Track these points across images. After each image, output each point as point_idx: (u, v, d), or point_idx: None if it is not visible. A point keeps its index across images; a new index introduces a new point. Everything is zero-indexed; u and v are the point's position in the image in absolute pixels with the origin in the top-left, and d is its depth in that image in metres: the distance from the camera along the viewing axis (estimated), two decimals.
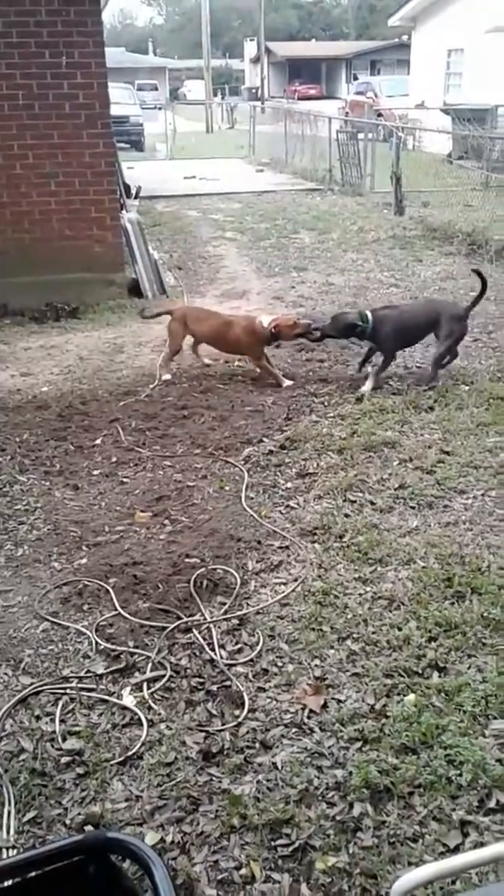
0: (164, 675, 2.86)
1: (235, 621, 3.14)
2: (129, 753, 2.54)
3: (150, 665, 2.92)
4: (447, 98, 21.04)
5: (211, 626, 3.10)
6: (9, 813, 2.34)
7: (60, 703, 2.75)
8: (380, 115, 20.37)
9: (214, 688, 2.81)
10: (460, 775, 2.37)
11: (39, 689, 2.82)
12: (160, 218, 12.21)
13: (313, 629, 3.06)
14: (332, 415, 5.02)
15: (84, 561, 3.57)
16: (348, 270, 8.79)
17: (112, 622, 3.16)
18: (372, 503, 3.97)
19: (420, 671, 2.82)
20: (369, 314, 5.40)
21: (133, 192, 9.99)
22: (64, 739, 2.60)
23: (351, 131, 15.47)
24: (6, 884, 1.39)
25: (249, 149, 21.68)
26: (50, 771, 2.49)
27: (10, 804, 2.36)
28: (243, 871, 2.16)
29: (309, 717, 2.66)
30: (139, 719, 2.67)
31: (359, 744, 2.53)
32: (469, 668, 2.82)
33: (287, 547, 3.64)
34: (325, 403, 5.21)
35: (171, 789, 2.42)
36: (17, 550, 3.68)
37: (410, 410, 5.00)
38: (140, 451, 4.64)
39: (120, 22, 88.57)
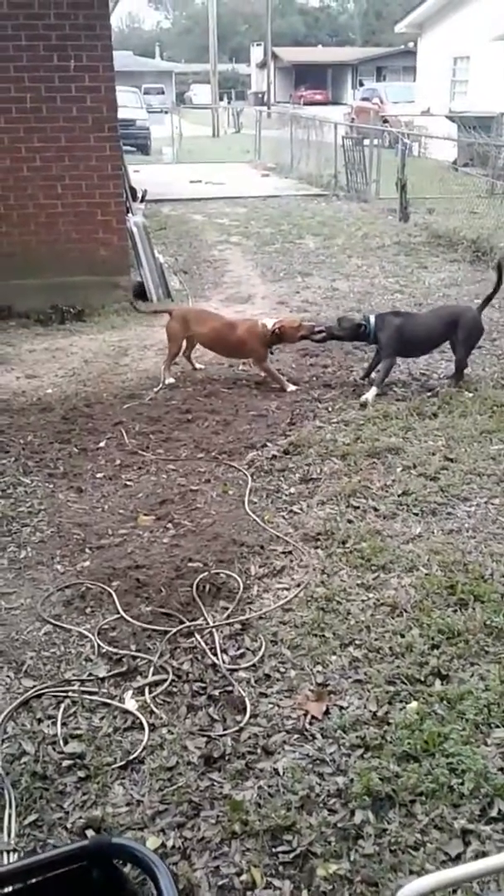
0: (166, 680, 2.86)
1: (238, 626, 3.14)
2: (131, 757, 2.54)
3: (152, 669, 2.91)
4: (453, 105, 21.10)
5: (213, 630, 3.10)
6: (10, 816, 2.34)
7: (62, 707, 2.75)
8: (385, 121, 20.41)
9: (216, 693, 2.80)
10: (462, 784, 2.37)
11: (41, 691, 2.82)
12: (166, 221, 12.24)
13: (316, 635, 3.06)
14: (335, 420, 5.02)
15: (87, 564, 3.57)
16: (353, 276, 8.80)
17: (114, 625, 3.16)
18: (375, 509, 3.97)
19: (422, 678, 2.81)
20: (372, 318, 5.45)
21: (139, 195, 10.02)
22: (65, 743, 2.60)
23: (356, 137, 15.50)
24: (9, 889, 1.39)
25: (255, 153, 21.73)
26: (51, 774, 2.49)
27: (10, 807, 2.36)
28: (244, 877, 2.16)
29: (311, 724, 2.66)
30: (141, 723, 2.67)
31: (360, 751, 2.53)
32: (472, 676, 2.82)
33: (290, 552, 3.64)
34: (329, 409, 5.21)
35: (172, 794, 2.41)
36: (21, 552, 3.68)
37: (414, 417, 5.00)
38: (144, 454, 4.65)
39: (127, 25, 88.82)
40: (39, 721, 2.70)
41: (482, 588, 3.27)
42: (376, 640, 3.02)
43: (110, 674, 2.90)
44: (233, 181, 16.99)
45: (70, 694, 2.81)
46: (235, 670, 2.90)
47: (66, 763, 2.52)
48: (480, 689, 2.73)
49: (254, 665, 2.92)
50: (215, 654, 2.97)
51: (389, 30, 33.25)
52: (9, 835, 2.29)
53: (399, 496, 4.08)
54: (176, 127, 23.78)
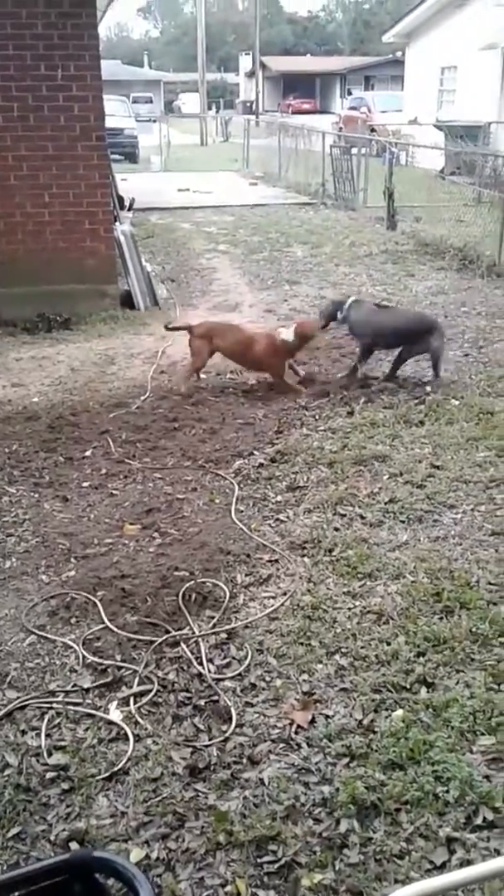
0: (151, 690, 2.84)
1: (224, 635, 3.13)
2: (115, 769, 2.52)
3: (137, 679, 2.90)
4: (440, 114, 21.23)
5: (199, 640, 3.09)
6: None
7: (46, 718, 2.73)
8: (373, 130, 20.54)
9: (202, 702, 2.79)
10: (447, 792, 2.36)
11: (25, 703, 2.80)
12: (154, 230, 12.25)
13: (302, 644, 3.06)
14: (322, 428, 5.03)
15: (72, 573, 3.56)
16: (340, 284, 8.83)
17: (100, 636, 3.14)
18: (362, 517, 3.97)
19: (408, 686, 2.81)
20: (349, 300, 5.77)
21: (127, 203, 10.03)
22: (49, 754, 2.58)
23: (344, 146, 15.58)
24: None
25: (243, 162, 21.80)
26: (35, 786, 2.47)
27: None
28: (229, 888, 2.14)
29: (296, 733, 2.65)
30: (125, 734, 2.65)
31: (346, 759, 2.52)
32: (457, 683, 2.82)
33: (276, 560, 3.64)
34: (316, 417, 5.22)
35: (156, 805, 2.40)
36: (5, 563, 3.66)
37: (401, 425, 5.02)
38: (130, 463, 4.64)
39: (116, 34, 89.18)
40: (23, 733, 2.68)
41: (468, 595, 3.27)
42: (362, 648, 3.02)
43: (95, 684, 2.88)
44: (221, 190, 17.03)
45: (54, 705, 2.79)
46: (221, 680, 2.89)
47: (49, 775, 2.51)
48: (466, 696, 2.73)
49: (240, 674, 2.92)
50: (201, 664, 2.96)
51: (377, 39, 33.48)
52: None
53: (386, 504, 4.08)
54: (164, 136, 23.84)
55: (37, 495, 4.28)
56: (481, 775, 2.42)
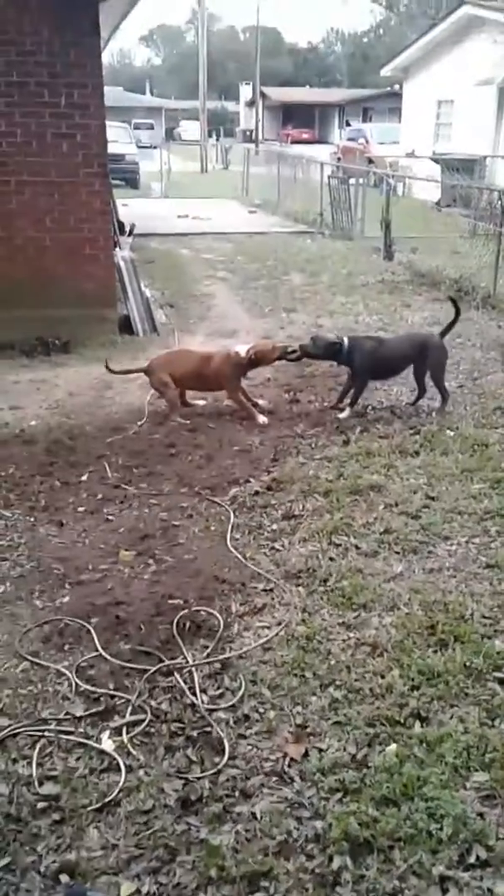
0: (143, 720, 2.83)
1: (217, 665, 3.12)
2: (107, 800, 2.50)
3: (130, 708, 2.88)
4: (436, 147, 21.53)
5: (193, 669, 3.08)
6: None
7: (38, 746, 2.71)
8: (371, 161, 20.79)
9: (194, 733, 2.78)
10: (441, 829, 2.35)
11: (17, 731, 2.78)
12: (153, 255, 12.34)
13: (296, 675, 3.05)
14: (318, 457, 5.05)
15: (66, 599, 3.55)
16: (337, 313, 8.90)
17: (93, 663, 3.12)
18: (357, 547, 3.97)
19: (402, 720, 2.80)
20: (346, 339, 5.70)
21: (127, 229, 10.12)
22: (41, 784, 2.56)
23: (342, 176, 15.77)
24: None
25: (243, 190, 22.02)
26: (25, 816, 2.45)
27: None
28: None
29: (289, 766, 2.63)
30: (117, 764, 2.63)
31: (339, 794, 2.51)
32: (451, 718, 2.81)
33: (271, 590, 3.63)
34: (312, 445, 5.24)
35: (148, 838, 2.38)
36: None
37: (396, 455, 5.04)
38: (126, 488, 4.64)
39: (118, 61, 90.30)
40: (14, 761, 2.66)
41: (462, 628, 3.27)
42: (356, 680, 3.01)
43: (87, 713, 2.86)
44: (220, 217, 17.20)
45: (46, 733, 2.77)
46: (214, 710, 2.88)
47: (40, 805, 2.48)
48: (460, 731, 2.72)
49: (233, 705, 2.90)
50: (194, 694, 2.94)
51: (376, 72, 33.96)
52: None
53: (381, 534, 4.09)
54: (165, 162, 24.10)
55: (32, 519, 4.28)
56: (475, 812, 2.41)
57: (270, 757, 2.67)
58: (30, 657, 3.16)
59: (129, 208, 14.58)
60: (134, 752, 2.69)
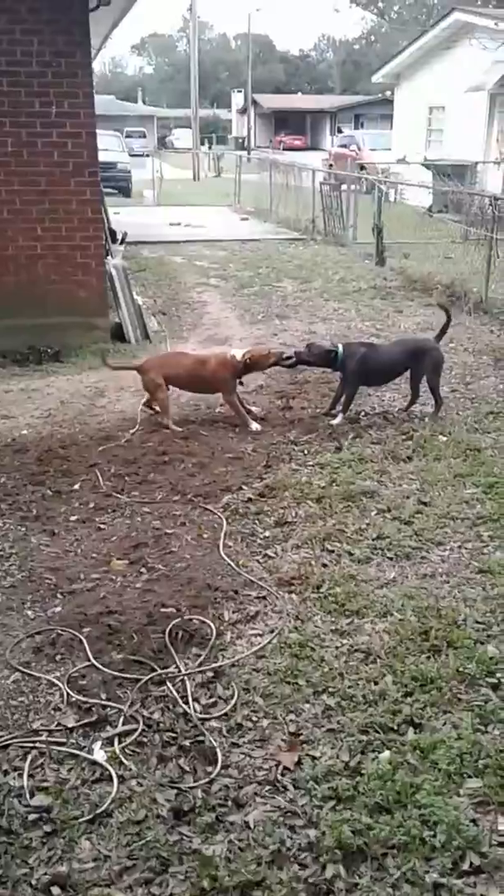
0: (136, 729, 2.81)
1: (210, 674, 3.10)
2: (99, 811, 2.48)
3: (122, 718, 2.87)
4: (428, 153, 21.61)
5: (185, 678, 3.07)
6: None
7: (29, 758, 2.69)
8: (363, 167, 20.86)
9: (187, 743, 2.76)
10: (434, 836, 2.34)
11: (8, 742, 2.76)
12: (145, 263, 12.35)
13: (289, 682, 3.04)
14: (311, 463, 5.04)
15: (58, 609, 3.53)
16: (330, 319, 8.92)
17: (85, 673, 3.11)
18: (350, 553, 3.97)
19: (395, 727, 2.79)
20: (340, 346, 5.75)
21: (119, 237, 10.12)
22: (32, 795, 2.54)
23: (334, 183, 15.81)
24: None
25: (235, 197, 22.07)
26: (17, 828, 2.43)
27: None
28: None
29: (283, 775, 2.62)
30: (109, 775, 2.62)
31: (332, 802, 2.49)
32: (444, 724, 2.80)
33: (264, 597, 3.62)
34: (305, 452, 5.23)
35: (140, 849, 2.36)
36: None
37: (389, 460, 5.04)
38: (119, 496, 4.63)
39: (110, 70, 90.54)
40: (6, 773, 2.64)
41: (455, 634, 3.27)
42: (350, 687, 3.00)
43: (79, 723, 2.85)
44: (212, 224, 17.22)
45: (38, 744, 2.75)
46: (207, 719, 2.86)
47: (32, 816, 2.46)
48: (453, 737, 2.72)
49: (226, 714, 2.89)
50: (187, 703, 2.93)
51: (367, 79, 34.13)
52: None
53: (374, 540, 4.08)
54: (157, 170, 24.14)
55: (24, 529, 4.26)
56: (468, 819, 2.40)
57: (263, 765, 2.66)
58: (21, 668, 3.14)
59: (121, 216, 14.58)
60: (126, 763, 2.68)
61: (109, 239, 9.29)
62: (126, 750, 2.73)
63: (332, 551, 3.99)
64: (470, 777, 2.56)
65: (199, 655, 3.21)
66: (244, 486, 4.73)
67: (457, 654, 3.15)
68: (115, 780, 2.59)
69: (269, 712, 2.89)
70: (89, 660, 3.16)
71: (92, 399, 6.37)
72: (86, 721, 2.86)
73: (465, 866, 2.27)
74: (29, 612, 3.52)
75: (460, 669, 3.05)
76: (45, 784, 2.59)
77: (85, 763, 2.68)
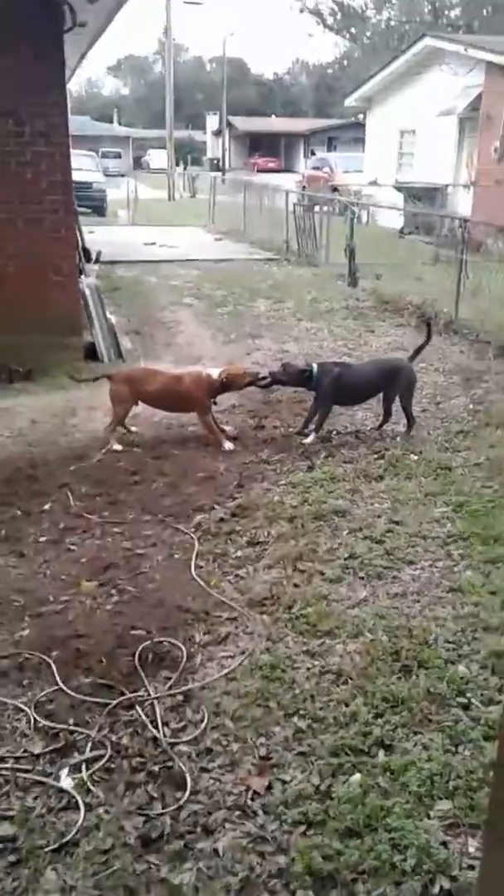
0: (104, 755, 2.76)
1: (180, 697, 3.07)
2: (65, 840, 2.43)
3: (90, 744, 2.82)
4: (399, 176, 21.91)
5: (154, 702, 3.03)
6: None
7: None
8: (335, 189, 21.09)
9: (156, 768, 2.72)
10: (405, 860, 2.32)
11: None
12: (119, 283, 12.33)
13: (259, 705, 3.01)
14: (283, 482, 5.04)
15: (26, 632, 3.47)
16: (302, 339, 8.96)
17: (52, 697, 3.06)
18: (321, 573, 3.96)
19: (366, 749, 2.77)
20: (315, 365, 5.77)
21: (93, 256, 10.12)
22: None
23: (307, 204, 15.95)
24: None
25: (209, 218, 22.18)
26: None
27: None
28: None
29: (252, 799, 2.59)
30: (76, 802, 2.57)
31: (303, 827, 2.47)
32: (415, 745, 2.79)
33: (235, 618, 3.60)
34: (277, 471, 5.23)
35: (107, 878, 2.31)
36: None
37: (361, 479, 5.05)
38: (89, 517, 4.58)
39: (86, 90, 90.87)
40: None
41: (426, 654, 3.27)
42: (321, 709, 2.98)
43: (46, 750, 2.80)
44: (187, 244, 17.27)
45: (3, 772, 2.70)
46: (176, 744, 2.82)
47: None
48: (423, 759, 2.70)
49: (195, 738, 2.85)
50: (156, 727, 2.89)
51: (340, 102, 34.59)
52: None
53: (345, 559, 4.08)
54: (132, 190, 24.21)
55: None
56: (438, 842, 2.39)
57: (233, 790, 2.63)
58: None
59: (95, 235, 14.58)
60: (94, 790, 2.63)
61: (83, 258, 9.28)
62: (94, 776, 2.68)
63: (304, 571, 3.98)
64: (440, 799, 2.55)
65: (169, 678, 3.17)
66: (216, 506, 4.71)
67: (427, 675, 3.14)
68: (83, 808, 2.54)
69: (240, 736, 2.86)
70: (57, 684, 3.11)
71: (63, 418, 6.32)
72: (53, 747, 2.81)
73: (436, 890, 2.25)
74: None
75: (431, 690, 3.05)
76: (10, 813, 2.53)
77: (51, 790, 2.62)
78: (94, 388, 6.51)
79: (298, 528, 4.41)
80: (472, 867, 2.31)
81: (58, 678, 3.14)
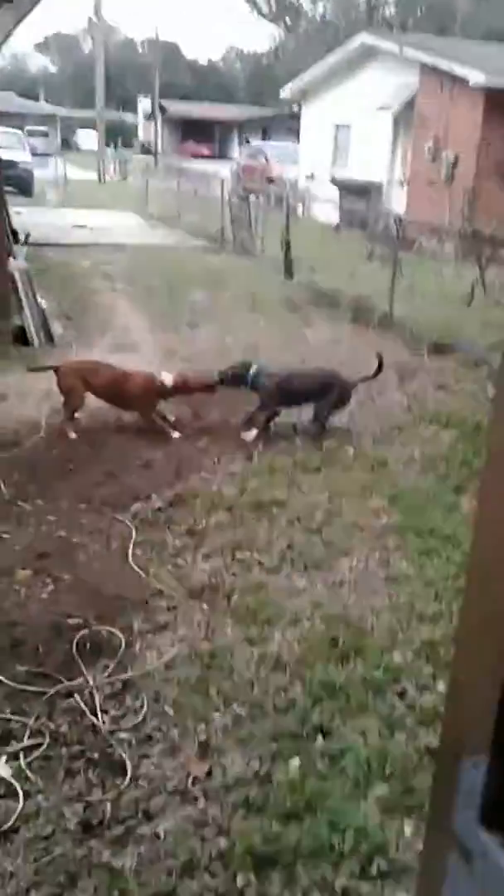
0: (42, 744, 2.74)
1: (119, 685, 3.07)
2: (4, 827, 2.41)
3: (27, 732, 2.79)
4: (335, 170, 22.08)
5: (93, 690, 3.02)
6: None
7: None
8: (271, 181, 21.13)
9: (96, 755, 2.72)
10: (343, 842, 2.39)
11: None
12: (50, 266, 12.07)
13: (199, 693, 3.03)
14: (222, 472, 5.06)
15: None
16: (238, 329, 8.96)
17: None
18: (260, 563, 4.00)
19: (305, 735, 2.83)
20: (255, 367, 5.77)
21: (22, 238, 9.87)
22: None
23: (242, 194, 15.94)
24: None
25: (142, 202, 21.92)
26: None
27: None
28: None
29: (193, 784, 2.62)
30: (15, 790, 2.55)
31: (243, 811, 2.51)
32: (352, 731, 2.86)
33: (175, 607, 3.61)
34: (216, 461, 5.25)
35: (47, 864, 2.31)
36: None
37: (299, 471, 5.11)
38: (22, 505, 4.50)
39: (11, 65, 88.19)
40: None
41: (363, 642, 3.35)
42: (260, 696, 3.03)
43: None
44: (119, 229, 17.04)
45: None
46: (116, 731, 2.83)
47: None
48: (361, 744, 2.78)
49: (135, 725, 2.86)
50: (95, 715, 2.88)
51: (274, 92, 34.59)
52: None
53: (284, 549, 4.13)
54: (60, 171, 23.68)
55: None
56: (375, 824, 2.46)
57: (174, 776, 2.65)
58: None
59: (23, 216, 14.22)
60: (32, 777, 2.61)
61: (11, 239, 9.05)
62: (32, 764, 2.66)
63: (243, 560, 4.02)
64: (377, 783, 2.62)
65: (108, 667, 3.17)
66: (154, 495, 4.70)
67: (364, 662, 3.22)
68: (21, 796, 2.52)
69: (180, 722, 2.88)
70: None
71: None
72: None
73: (373, 870, 2.32)
74: None
75: (367, 677, 3.13)
76: None
77: None
78: (26, 374, 6.38)
79: (237, 518, 4.44)
80: (408, 848, 2.39)
81: None
